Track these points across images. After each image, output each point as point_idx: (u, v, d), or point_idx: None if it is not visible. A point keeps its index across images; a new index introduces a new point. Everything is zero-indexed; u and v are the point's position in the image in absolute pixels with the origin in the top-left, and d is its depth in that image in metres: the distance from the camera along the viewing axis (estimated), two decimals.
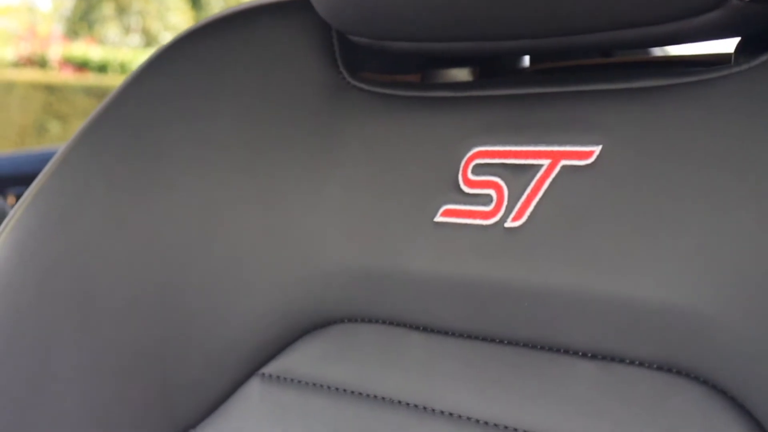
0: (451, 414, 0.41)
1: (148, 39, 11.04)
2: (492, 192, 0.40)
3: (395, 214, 0.42)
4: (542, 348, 0.39)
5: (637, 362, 0.37)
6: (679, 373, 0.36)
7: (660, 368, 0.36)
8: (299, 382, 0.45)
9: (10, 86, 7.18)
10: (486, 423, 0.40)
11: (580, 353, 0.38)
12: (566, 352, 0.39)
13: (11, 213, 0.48)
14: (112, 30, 11.11)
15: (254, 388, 0.47)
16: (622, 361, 0.37)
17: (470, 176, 0.41)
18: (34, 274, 0.47)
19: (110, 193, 0.47)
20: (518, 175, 0.40)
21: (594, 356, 0.38)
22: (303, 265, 0.45)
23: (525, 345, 0.40)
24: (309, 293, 0.45)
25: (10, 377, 0.46)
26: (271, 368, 0.46)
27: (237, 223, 0.46)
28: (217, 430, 0.47)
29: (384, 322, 0.44)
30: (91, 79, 8.08)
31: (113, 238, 0.47)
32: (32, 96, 7.26)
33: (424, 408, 0.41)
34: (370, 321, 0.44)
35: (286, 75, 0.47)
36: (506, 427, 0.39)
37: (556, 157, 0.39)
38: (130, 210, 0.47)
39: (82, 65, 8.67)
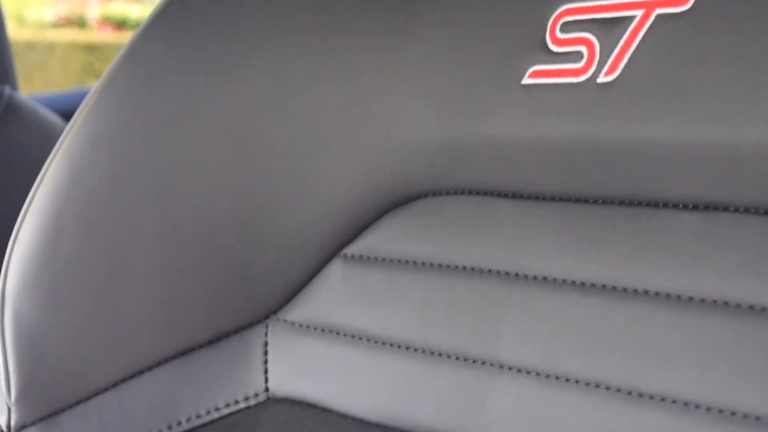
0: (545, 278, 0.40)
1: None
2: (582, 48, 0.40)
3: (480, 79, 0.42)
4: (640, 204, 0.39)
5: (742, 209, 0.36)
6: None
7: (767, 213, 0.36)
8: (383, 260, 0.45)
9: (50, 47, 7.25)
10: (583, 284, 0.39)
11: (681, 205, 0.38)
12: (666, 205, 0.38)
13: (83, 104, 0.49)
14: None
15: (336, 269, 0.47)
16: (726, 209, 0.37)
17: (558, 35, 0.40)
18: (110, 165, 0.47)
19: (184, 77, 0.47)
20: (610, 28, 0.39)
21: (696, 207, 0.37)
22: (385, 141, 0.44)
23: (621, 202, 0.39)
24: (392, 169, 0.44)
25: (88, 268, 0.46)
26: (353, 248, 0.47)
27: (316, 103, 0.46)
28: (300, 315, 0.47)
29: (471, 193, 0.43)
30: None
31: (189, 123, 0.47)
32: (72, 56, 7.33)
33: (516, 275, 0.41)
34: (456, 193, 0.44)
35: None
36: (604, 287, 0.39)
37: (650, 7, 0.38)
38: (206, 94, 0.47)
39: (120, 24, 8.72)
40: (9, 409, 0.48)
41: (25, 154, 0.79)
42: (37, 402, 0.48)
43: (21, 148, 0.79)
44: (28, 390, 0.48)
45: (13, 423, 0.48)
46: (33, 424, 0.48)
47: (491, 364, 0.41)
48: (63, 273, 0.47)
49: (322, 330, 0.47)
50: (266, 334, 0.48)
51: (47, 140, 0.82)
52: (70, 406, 0.49)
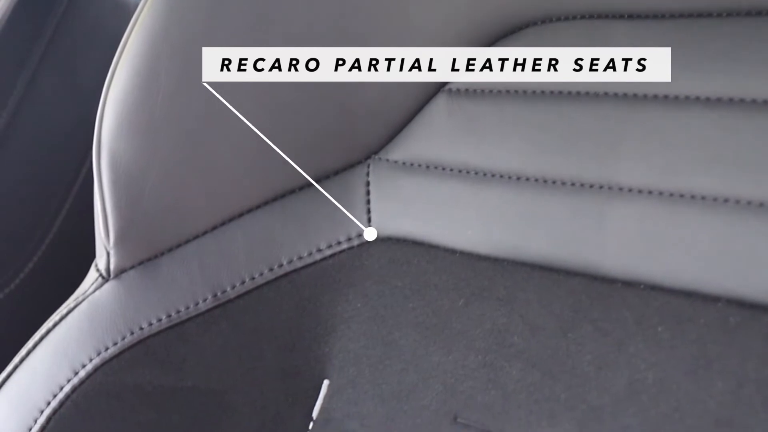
0: (666, 96, 0.40)
1: None
2: None
3: None
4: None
5: None
6: None
7: None
8: (491, 91, 0.45)
9: None
10: (708, 99, 0.39)
11: None
12: None
13: None
14: None
15: (441, 104, 0.47)
16: None
17: None
18: (206, 2, 0.46)
19: None
20: None
21: None
22: None
23: (748, 13, 0.39)
24: None
25: (185, 109, 0.46)
26: (459, 82, 0.46)
27: None
28: (403, 153, 0.47)
29: (584, 17, 0.43)
30: None
31: None
32: None
33: (635, 95, 0.41)
34: (567, 18, 0.43)
35: None
36: (731, 100, 0.39)
37: None
38: None
39: None
40: (108, 253, 0.49)
41: (101, 25, 0.79)
42: (136, 245, 0.49)
43: (97, 19, 0.79)
44: (127, 233, 0.48)
45: (112, 267, 0.49)
46: (132, 267, 0.49)
47: (609, 188, 0.42)
48: (160, 114, 0.47)
49: (427, 167, 0.47)
50: (368, 174, 0.48)
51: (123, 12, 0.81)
52: (169, 250, 0.49)
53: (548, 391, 0.41)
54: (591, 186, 0.42)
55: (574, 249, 0.42)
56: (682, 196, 0.40)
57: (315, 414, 0.47)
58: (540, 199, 0.43)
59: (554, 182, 0.43)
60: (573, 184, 0.42)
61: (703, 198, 0.39)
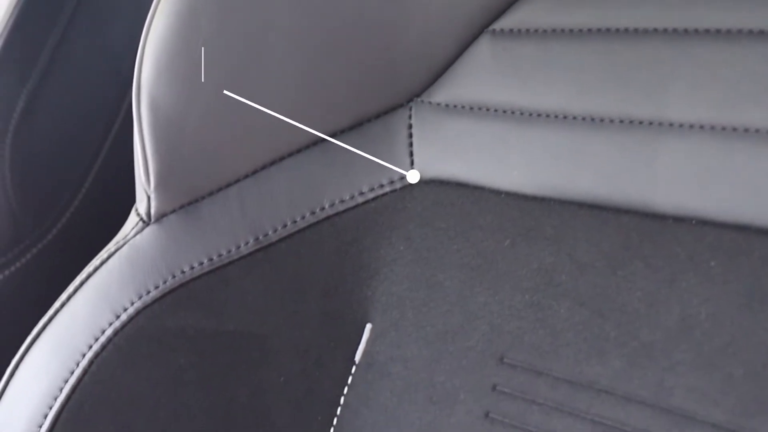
0: (719, 31, 0.40)
1: None
2: None
3: None
4: None
5: None
6: None
7: None
8: (536, 31, 0.45)
9: None
10: (762, 32, 0.39)
11: None
12: None
13: None
14: None
15: (484, 46, 0.46)
16: None
17: None
18: None
19: None
20: None
21: None
22: None
23: None
24: None
25: (225, 52, 0.46)
26: (503, 23, 0.46)
27: None
28: (446, 95, 0.47)
29: None
30: None
31: None
32: None
33: (686, 31, 0.41)
34: None
35: None
36: None
37: None
38: None
39: None
40: (148, 198, 0.49)
41: None
42: (177, 189, 0.49)
43: None
44: (167, 177, 0.48)
45: (152, 211, 0.49)
46: (173, 211, 0.49)
47: (659, 124, 0.41)
48: (199, 57, 0.47)
49: (471, 108, 0.47)
50: (410, 117, 0.48)
51: None
52: (209, 194, 0.49)
53: (597, 330, 0.41)
54: (640, 123, 0.41)
55: (623, 186, 0.42)
56: (735, 129, 0.39)
57: (357, 358, 0.47)
58: (587, 138, 0.43)
59: (602, 120, 0.42)
60: (621, 122, 0.42)
61: (756, 131, 0.39)
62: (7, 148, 0.70)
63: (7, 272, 0.72)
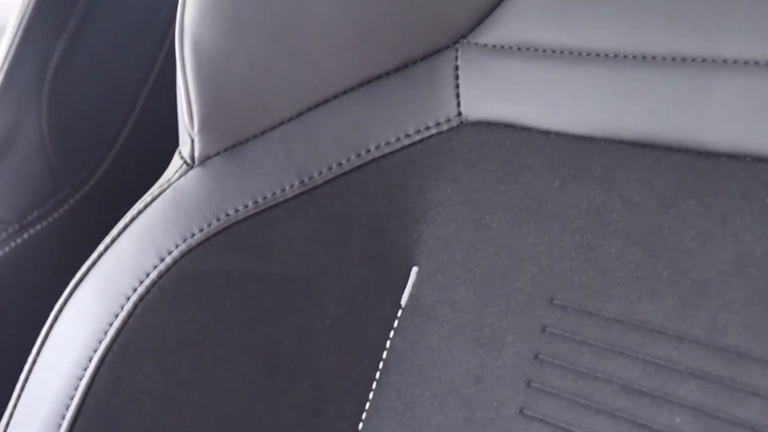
0: None
1: None
2: None
3: None
4: None
5: None
6: None
7: None
8: None
9: None
10: None
11: None
12: None
13: None
14: None
15: None
16: None
17: None
18: None
19: None
20: None
21: None
22: None
23: None
24: None
25: None
26: None
27: None
28: (492, 36, 0.46)
29: None
30: None
31: None
32: None
33: None
34: None
35: None
36: None
37: None
38: None
39: None
40: (192, 140, 0.49)
41: None
42: (221, 132, 0.48)
43: None
44: (211, 119, 0.48)
45: (196, 154, 0.49)
46: (217, 154, 0.49)
47: (713, 60, 0.41)
48: None
49: (518, 49, 0.46)
50: (456, 59, 0.48)
51: None
52: (254, 136, 0.49)
53: (649, 269, 0.40)
54: (693, 60, 0.41)
55: (676, 124, 0.41)
56: None
57: (403, 302, 0.47)
58: (639, 76, 0.42)
59: (653, 58, 0.42)
60: (674, 59, 0.41)
61: None
62: (44, 98, 0.70)
63: (45, 223, 0.73)
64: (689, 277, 0.39)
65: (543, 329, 0.42)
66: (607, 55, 0.43)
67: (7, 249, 0.71)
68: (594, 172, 0.43)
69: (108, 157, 0.76)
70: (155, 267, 0.48)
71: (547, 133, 0.45)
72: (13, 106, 0.69)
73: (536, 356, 0.42)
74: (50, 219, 0.73)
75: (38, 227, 0.72)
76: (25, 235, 0.71)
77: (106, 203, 0.75)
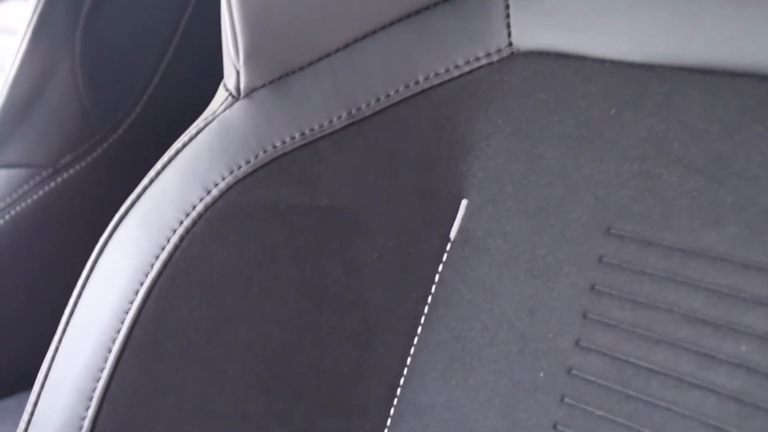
0: None
1: None
2: None
3: None
4: None
5: None
6: None
7: None
8: None
9: None
10: None
11: None
12: None
13: None
14: None
15: None
16: None
17: None
18: None
19: None
20: None
21: None
22: None
23: None
24: None
25: None
26: None
27: None
28: None
29: None
30: None
31: None
32: None
33: None
34: None
35: None
36: None
37: None
38: None
39: None
40: (237, 72, 0.48)
41: None
42: (266, 64, 0.48)
43: None
44: (257, 51, 0.47)
45: (242, 86, 0.48)
46: (263, 86, 0.48)
47: None
48: None
49: None
50: None
51: None
52: (300, 68, 0.48)
53: (712, 196, 0.40)
54: None
55: (740, 49, 0.40)
56: None
57: (453, 234, 0.47)
58: (700, 1, 0.41)
59: None
60: None
61: None
62: (77, 42, 0.69)
63: (77, 167, 0.72)
64: (755, 203, 0.39)
65: (600, 259, 0.42)
66: None
67: (40, 193, 0.70)
68: (653, 100, 0.42)
69: (141, 102, 0.75)
70: (201, 199, 0.47)
71: (602, 62, 0.44)
72: (46, 49, 0.68)
73: (593, 287, 0.42)
74: (83, 163, 0.72)
75: (71, 171, 0.71)
76: (59, 179, 0.71)
77: (138, 147, 0.74)
